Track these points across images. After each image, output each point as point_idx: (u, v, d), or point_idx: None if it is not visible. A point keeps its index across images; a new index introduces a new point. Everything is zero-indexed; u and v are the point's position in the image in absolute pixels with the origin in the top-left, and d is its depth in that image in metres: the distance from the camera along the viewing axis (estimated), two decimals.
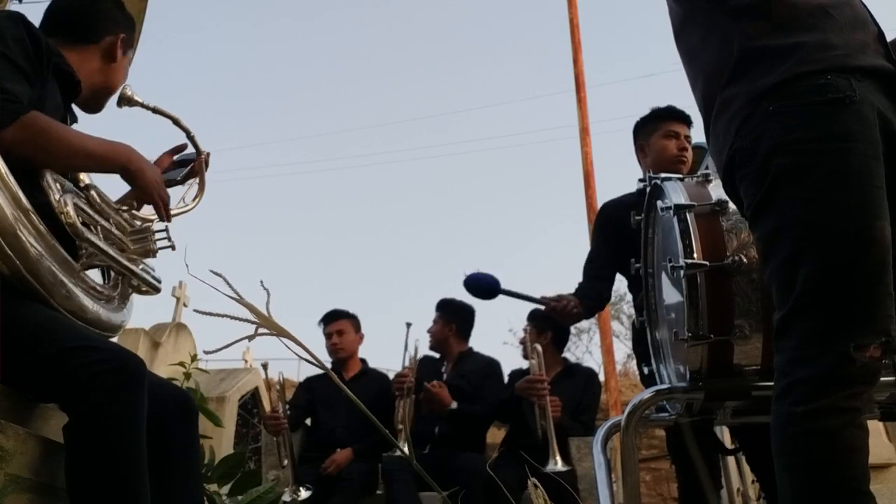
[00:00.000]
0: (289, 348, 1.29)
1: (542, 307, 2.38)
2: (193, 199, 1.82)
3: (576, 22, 7.58)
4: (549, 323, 3.74)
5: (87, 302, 1.48)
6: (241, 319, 1.23)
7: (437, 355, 3.89)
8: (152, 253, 1.62)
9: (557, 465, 3.08)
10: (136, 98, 1.76)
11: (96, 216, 1.52)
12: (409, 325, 3.59)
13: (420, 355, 3.66)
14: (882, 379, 1.55)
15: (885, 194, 1.26)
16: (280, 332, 1.20)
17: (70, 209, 1.41)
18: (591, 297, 2.46)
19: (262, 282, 1.18)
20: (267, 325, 1.17)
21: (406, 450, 3.23)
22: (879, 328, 1.18)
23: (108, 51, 1.72)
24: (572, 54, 7.52)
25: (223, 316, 1.24)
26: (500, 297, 2.38)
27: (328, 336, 3.87)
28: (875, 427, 3.92)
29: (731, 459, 2.94)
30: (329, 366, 3.89)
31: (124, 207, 1.63)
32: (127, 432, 1.27)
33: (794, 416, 1.20)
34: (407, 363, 3.52)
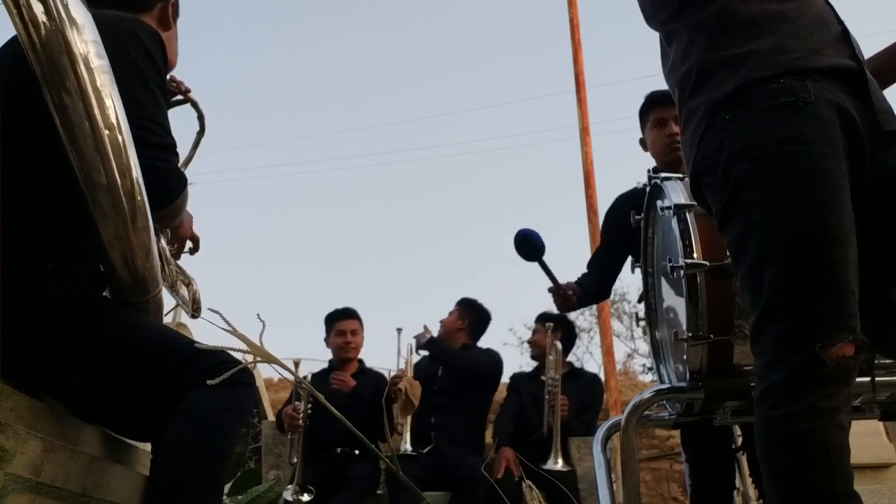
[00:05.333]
0: (279, 374, 1.32)
1: (551, 287, 2.40)
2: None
3: (576, 22, 7.57)
4: (560, 324, 3.77)
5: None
6: (236, 350, 1.26)
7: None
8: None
9: (558, 464, 3.10)
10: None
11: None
12: (399, 330, 3.63)
13: (416, 358, 3.69)
14: (883, 379, 1.56)
15: (847, 192, 1.27)
16: (271, 360, 1.24)
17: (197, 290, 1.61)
18: (590, 290, 2.48)
19: (258, 314, 1.22)
20: (259, 353, 1.21)
21: (409, 447, 3.26)
22: (844, 327, 1.19)
23: (161, 18, 1.60)
24: (572, 54, 7.52)
25: (221, 348, 1.27)
26: (535, 264, 2.38)
27: (341, 333, 3.80)
28: (875, 427, 3.92)
29: None
30: (327, 366, 3.91)
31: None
32: (241, 424, 1.31)
33: (773, 419, 1.20)
34: (402, 367, 3.54)
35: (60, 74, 1.16)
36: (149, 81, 1.37)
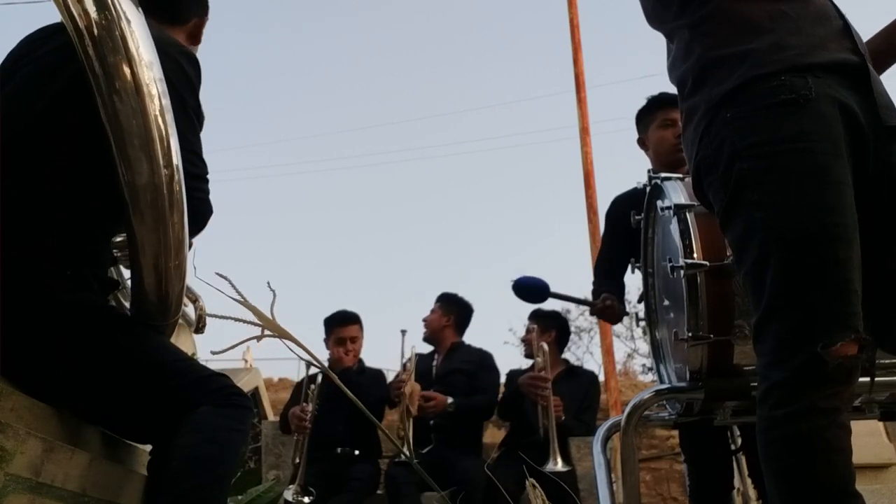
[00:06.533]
0: (291, 350, 1.31)
1: (588, 308, 2.41)
2: None
3: (576, 22, 7.57)
4: (554, 322, 3.75)
5: None
6: (245, 322, 1.25)
7: (426, 352, 3.86)
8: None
9: (558, 464, 3.09)
10: None
11: None
12: (404, 332, 3.59)
13: (415, 357, 3.67)
14: (883, 379, 1.56)
15: (849, 189, 1.26)
16: (282, 335, 1.22)
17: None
18: (619, 294, 2.47)
19: (269, 283, 1.20)
20: (270, 327, 1.19)
21: (406, 452, 3.25)
22: (846, 326, 1.18)
23: (194, 33, 1.66)
24: (572, 54, 7.52)
25: (228, 318, 1.26)
26: (550, 299, 2.42)
27: (341, 341, 3.71)
28: (875, 427, 3.91)
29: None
30: (327, 365, 3.90)
31: None
32: (244, 445, 1.37)
33: (774, 419, 1.20)
34: (404, 369, 3.52)
35: (113, 74, 1.17)
36: (189, 111, 1.42)
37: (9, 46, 1.50)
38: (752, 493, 2.47)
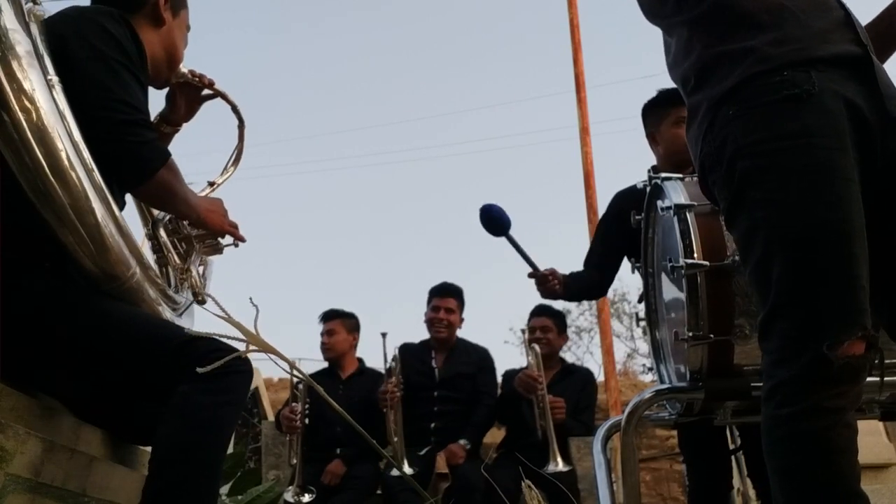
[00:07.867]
0: (276, 363, 1.31)
1: (530, 269, 2.38)
2: (232, 165, 1.95)
3: (576, 22, 7.57)
4: (554, 316, 3.73)
5: (165, 311, 1.55)
6: (230, 338, 1.23)
7: (414, 342, 3.79)
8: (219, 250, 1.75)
9: (558, 465, 3.08)
10: (184, 71, 1.70)
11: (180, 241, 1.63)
12: (384, 335, 3.47)
13: (397, 347, 3.61)
14: (886, 379, 1.55)
15: (855, 185, 1.24)
16: (266, 349, 1.21)
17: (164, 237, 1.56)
18: (579, 285, 2.45)
19: (251, 298, 1.19)
20: (254, 342, 1.18)
21: (403, 467, 3.21)
22: (853, 323, 1.17)
23: (153, 14, 1.54)
24: (572, 54, 7.52)
25: (213, 335, 1.23)
26: (504, 239, 2.41)
27: (321, 335, 3.87)
28: (875, 427, 3.92)
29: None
30: (326, 365, 3.91)
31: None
32: (236, 416, 1.31)
33: (779, 418, 1.19)
34: (389, 375, 3.42)
35: None
36: (111, 62, 1.36)
37: None
38: (751, 493, 2.47)
